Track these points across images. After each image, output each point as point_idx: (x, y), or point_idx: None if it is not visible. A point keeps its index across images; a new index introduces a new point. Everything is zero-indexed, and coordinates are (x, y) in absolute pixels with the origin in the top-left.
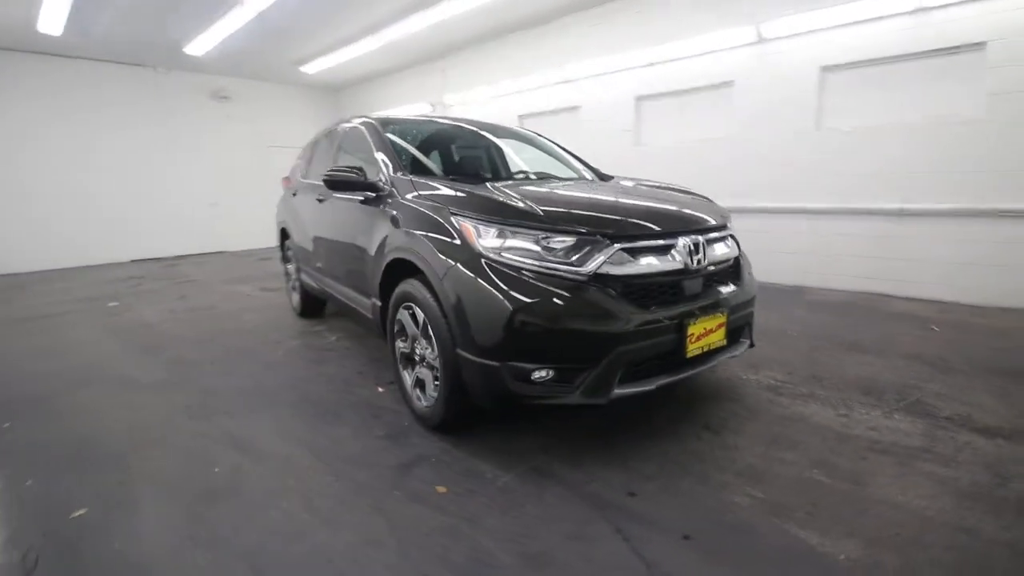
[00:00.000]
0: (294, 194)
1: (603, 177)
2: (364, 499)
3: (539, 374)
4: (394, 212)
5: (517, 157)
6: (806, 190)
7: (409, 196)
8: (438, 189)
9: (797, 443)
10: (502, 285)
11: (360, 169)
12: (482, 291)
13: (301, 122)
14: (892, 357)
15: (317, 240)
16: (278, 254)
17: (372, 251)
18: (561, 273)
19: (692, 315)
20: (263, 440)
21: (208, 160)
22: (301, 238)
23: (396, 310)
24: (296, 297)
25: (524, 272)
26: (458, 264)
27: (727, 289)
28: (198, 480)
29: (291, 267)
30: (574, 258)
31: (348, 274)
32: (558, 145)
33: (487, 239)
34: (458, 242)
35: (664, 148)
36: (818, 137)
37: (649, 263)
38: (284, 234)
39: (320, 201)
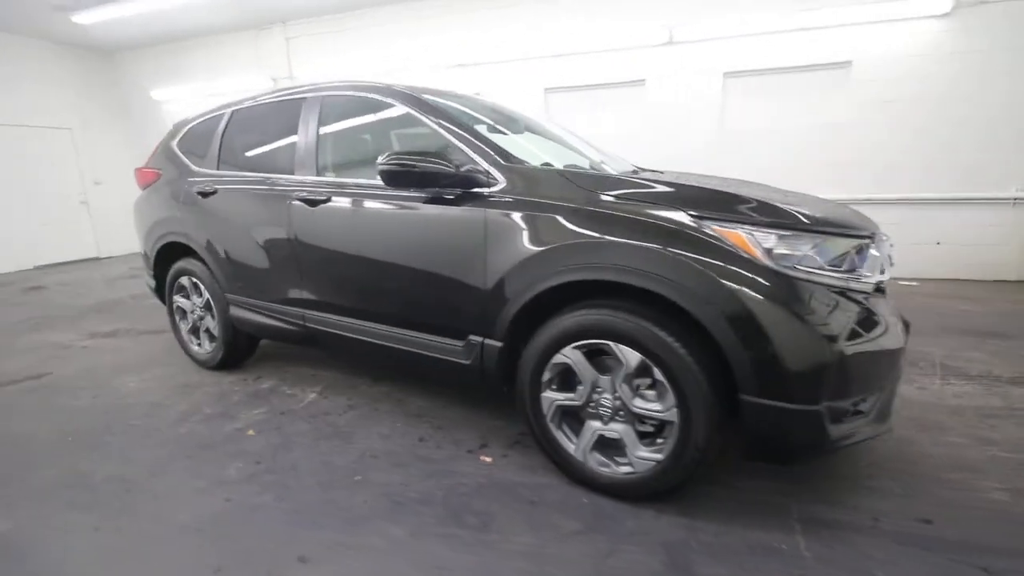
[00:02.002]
0: (204, 194)
1: (644, 170)
2: None
3: (845, 409)
4: (557, 218)
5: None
6: None
7: (608, 195)
8: (648, 186)
9: (938, 424)
10: (814, 307)
11: (445, 158)
12: (792, 319)
13: (55, 94)
14: None
15: (308, 261)
16: (130, 283)
17: (488, 274)
18: (853, 285)
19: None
20: None
21: None
22: (243, 257)
23: (552, 352)
24: (208, 344)
25: (820, 288)
26: (744, 287)
27: None
28: None
29: (193, 301)
30: (845, 265)
31: (401, 307)
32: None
33: (772, 250)
34: (730, 257)
35: None
36: (722, 136)
37: (884, 264)
38: (167, 253)
39: (313, 204)
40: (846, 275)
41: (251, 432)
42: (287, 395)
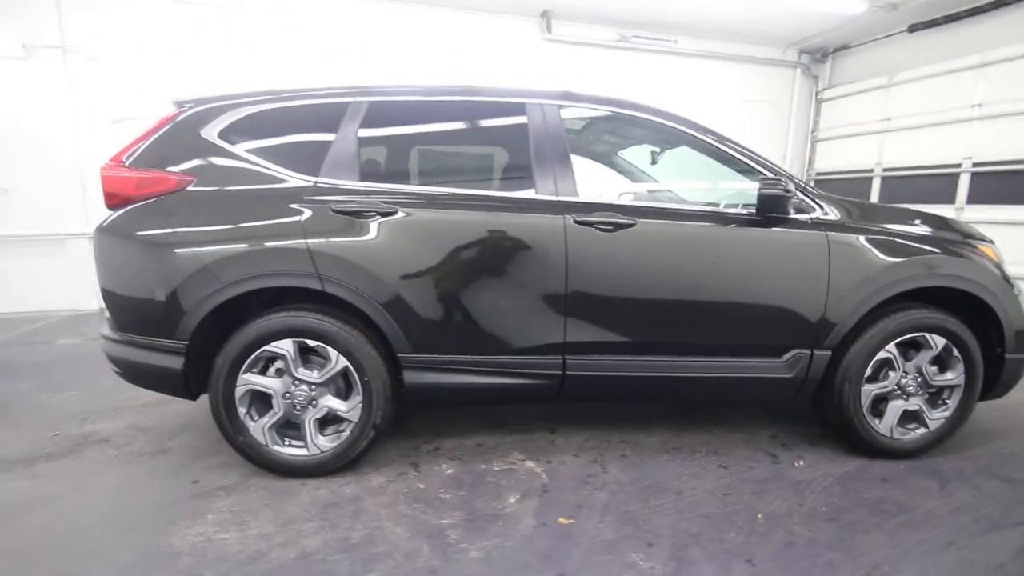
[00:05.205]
0: (359, 214)
1: None
2: None
3: None
4: (899, 240)
5: None
6: None
7: (916, 220)
8: (923, 214)
9: None
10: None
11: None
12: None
13: None
14: None
15: (591, 297)
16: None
17: (830, 289)
18: None
19: None
20: None
21: None
22: (456, 300)
23: (878, 349)
24: (321, 438)
25: None
26: (1008, 285)
27: None
28: None
29: (298, 376)
30: None
31: (716, 334)
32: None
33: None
34: (993, 265)
35: None
36: None
37: None
38: (225, 311)
39: (612, 229)
40: None
41: (563, 521)
42: (522, 474)
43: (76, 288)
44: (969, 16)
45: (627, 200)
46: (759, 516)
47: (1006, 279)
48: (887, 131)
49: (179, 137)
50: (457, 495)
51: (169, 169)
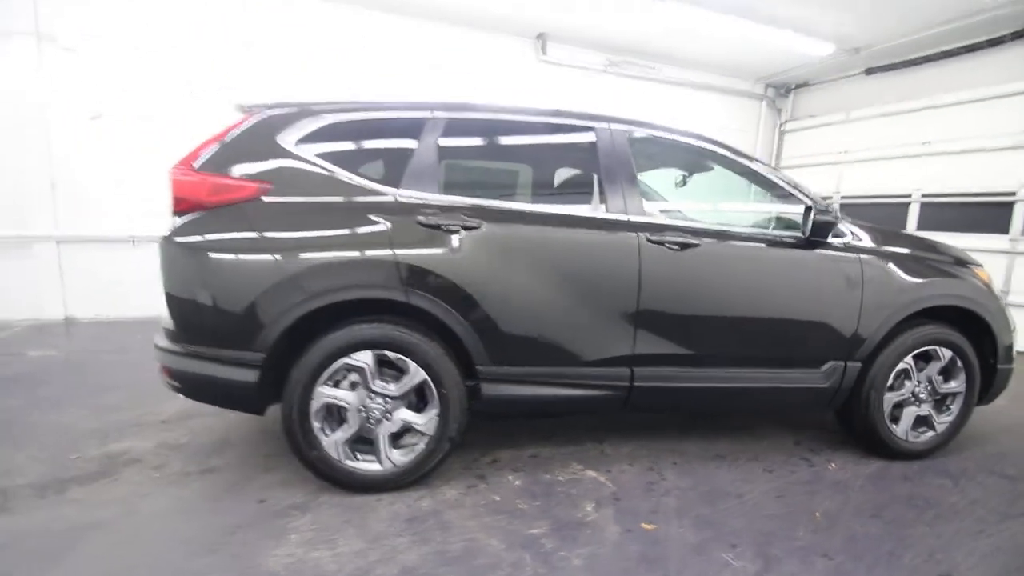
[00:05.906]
0: (442, 227)
1: None
2: None
3: None
4: (923, 266)
5: None
6: None
7: (935, 250)
8: (935, 242)
9: None
10: None
11: None
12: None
13: None
14: None
15: (659, 312)
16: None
17: (863, 305)
18: None
19: None
20: None
21: None
22: (534, 314)
23: (897, 361)
24: (396, 452)
25: None
26: (1000, 303)
27: None
28: None
29: (374, 388)
30: None
31: (765, 347)
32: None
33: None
34: (986, 286)
35: None
36: None
37: None
38: (301, 324)
39: (682, 248)
40: None
41: (647, 527)
42: (588, 484)
43: (40, 296)
44: (921, 63)
45: (688, 221)
46: (817, 515)
47: (996, 298)
48: (845, 162)
49: (252, 143)
50: (534, 505)
51: (244, 176)
